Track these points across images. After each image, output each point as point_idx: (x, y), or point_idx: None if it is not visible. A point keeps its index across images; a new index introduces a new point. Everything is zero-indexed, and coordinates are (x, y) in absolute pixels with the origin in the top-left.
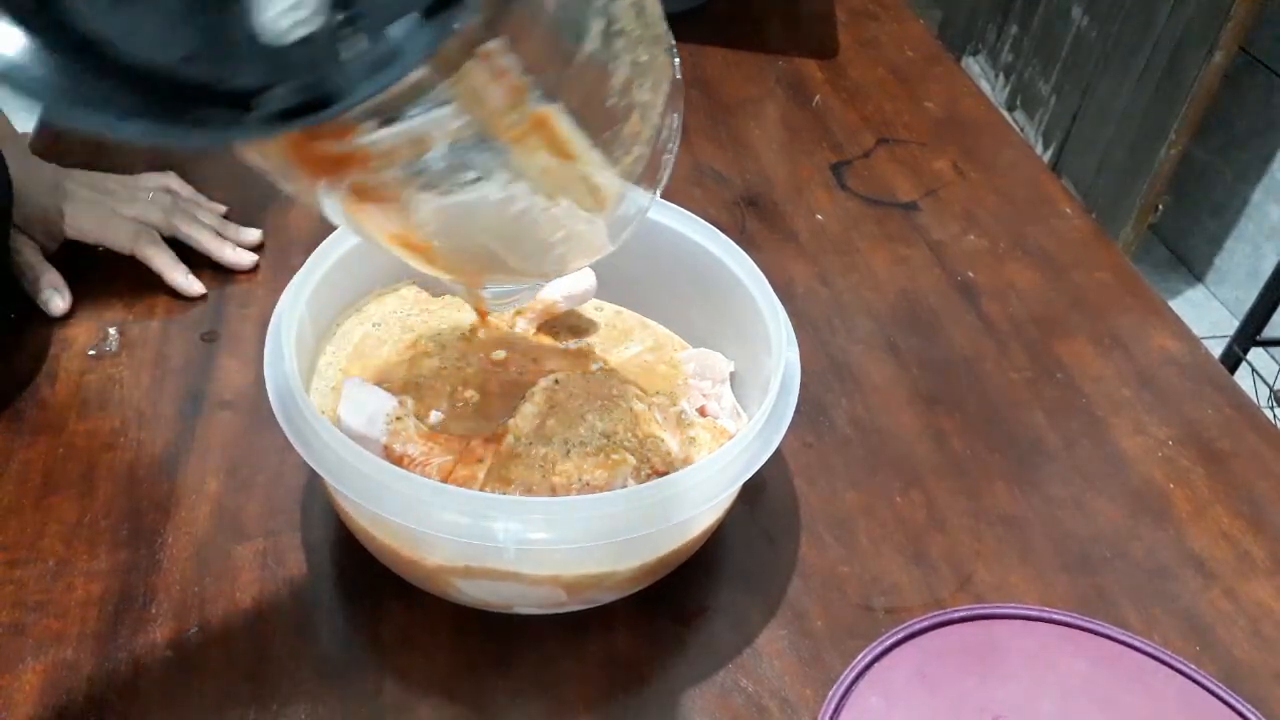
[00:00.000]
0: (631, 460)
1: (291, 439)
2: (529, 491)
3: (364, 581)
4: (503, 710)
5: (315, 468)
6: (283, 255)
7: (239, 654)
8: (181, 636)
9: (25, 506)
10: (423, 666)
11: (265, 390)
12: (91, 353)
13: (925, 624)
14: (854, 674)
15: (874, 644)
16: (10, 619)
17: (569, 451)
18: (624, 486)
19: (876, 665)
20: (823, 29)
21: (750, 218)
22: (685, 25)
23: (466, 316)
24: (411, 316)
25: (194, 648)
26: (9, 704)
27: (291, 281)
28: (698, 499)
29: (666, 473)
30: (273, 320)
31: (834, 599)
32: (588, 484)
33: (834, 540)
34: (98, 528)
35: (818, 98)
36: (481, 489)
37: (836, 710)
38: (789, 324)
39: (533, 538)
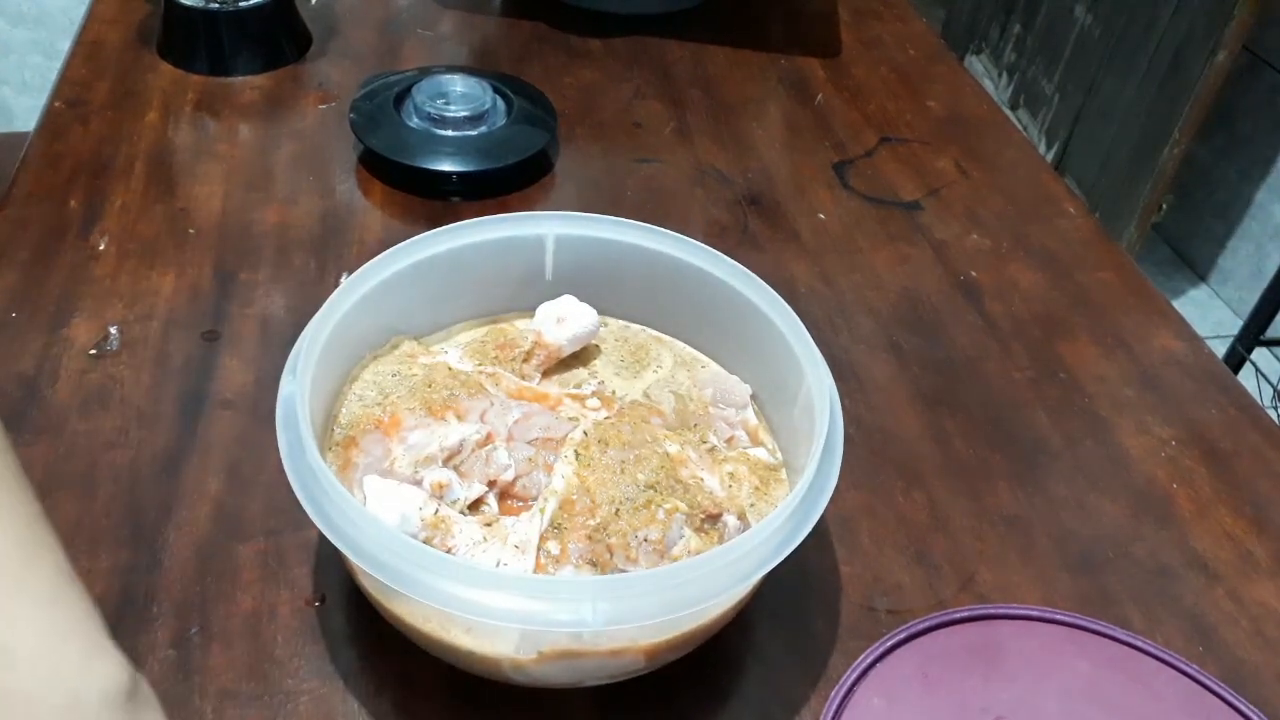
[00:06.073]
0: (683, 508)
1: (337, 543)
2: (587, 558)
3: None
4: (505, 710)
5: (367, 569)
6: (283, 254)
7: (240, 654)
8: (182, 636)
9: None
10: (425, 668)
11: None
12: (92, 352)
13: (927, 624)
14: (856, 674)
15: (876, 644)
16: None
17: (618, 510)
18: (681, 536)
19: (879, 666)
20: (825, 28)
21: (752, 217)
22: (687, 24)
23: (464, 365)
24: (413, 376)
25: (195, 647)
26: None
27: (287, 365)
28: (776, 547)
29: (719, 515)
30: (280, 410)
31: (836, 599)
32: (646, 540)
33: (836, 540)
34: (98, 527)
35: (820, 97)
36: (537, 566)
37: (838, 711)
38: (820, 356)
39: (626, 615)
